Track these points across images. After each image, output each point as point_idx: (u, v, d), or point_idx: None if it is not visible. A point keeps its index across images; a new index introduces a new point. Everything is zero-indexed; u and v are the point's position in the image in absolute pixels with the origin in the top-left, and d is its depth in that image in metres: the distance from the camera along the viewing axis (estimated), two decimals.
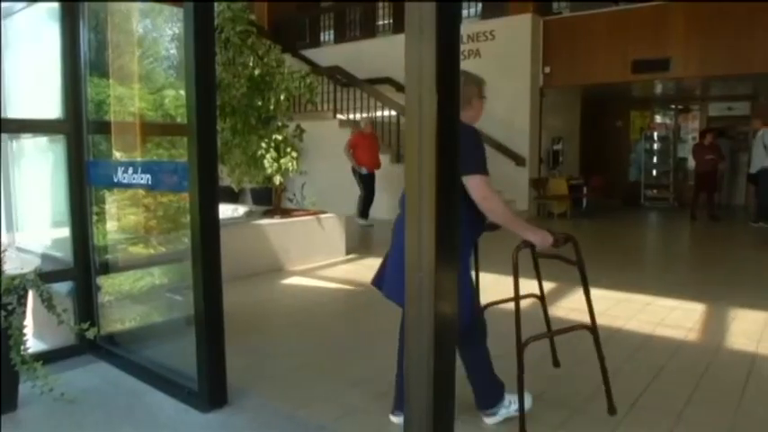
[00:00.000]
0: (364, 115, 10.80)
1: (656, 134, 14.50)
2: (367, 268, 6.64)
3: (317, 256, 6.98)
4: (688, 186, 13.20)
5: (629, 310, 4.91)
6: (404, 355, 2.51)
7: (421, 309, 1.69)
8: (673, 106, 14.93)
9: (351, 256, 7.30)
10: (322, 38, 16.42)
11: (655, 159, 14.44)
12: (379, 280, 2.95)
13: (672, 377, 3.51)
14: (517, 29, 11.78)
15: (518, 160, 11.56)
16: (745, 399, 3.23)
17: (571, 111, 13.80)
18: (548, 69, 11.92)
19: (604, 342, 3.77)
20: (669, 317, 4.72)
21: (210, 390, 3.01)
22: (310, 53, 14.30)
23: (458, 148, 1.65)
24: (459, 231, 1.67)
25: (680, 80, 11.83)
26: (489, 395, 2.93)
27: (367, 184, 10.34)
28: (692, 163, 12.82)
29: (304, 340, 4.31)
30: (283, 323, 4.80)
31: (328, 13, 16.36)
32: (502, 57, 11.76)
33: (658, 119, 15.03)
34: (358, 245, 7.61)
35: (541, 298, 3.57)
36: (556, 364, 3.67)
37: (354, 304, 5.45)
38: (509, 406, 2.91)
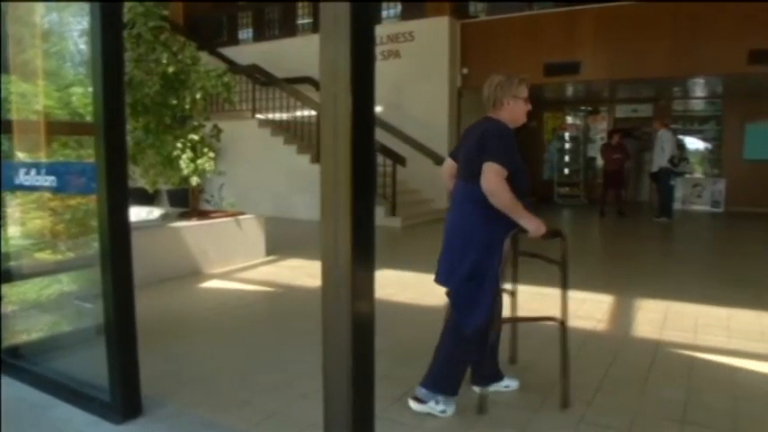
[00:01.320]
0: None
1: (567, 134, 15.17)
2: (288, 269, 6.58)
3: (236, 259, 6.84)
4: (597, 184, 13.86)
5: (543, 304, 5.08)
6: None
7: (338, 308, 1.69)
8: (583, 108, 15.63)
9: (271, 258, 7.21)
10: (240, 36, 16.12)
11: (566, 159, 15.11)
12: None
13: (582, 366, 3.66)
14: (435, 31, 12.00)
15: (437, 160, 11.75)
16: (649, 383, 3.43)
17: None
18: (465, 71, 12.20)
19: (523, 336, 3.93)
20: (580, 309, 4.94)
21: (124, 400, 2.89)
22: (229, 51, 14.02)
23: (373, 149, 1.67)
24: (374, 230, 1.68)
25: (589, 83, 12.39)
26: (438, 383, 3.00)
27: None
28: (600, 162, 13.48)
29: (224, 344, 4.22)
30: (202, 328, 4.68)
31: (246, 11, 16.07)
32: (421, 58, 11.97)
33: (569, 120, 15.70)
34: (279, 246, 7.52)
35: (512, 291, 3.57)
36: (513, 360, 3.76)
37: (275, 306, 5.38)
38: (439, 406, 3.00)
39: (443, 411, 2.99)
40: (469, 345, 2.98)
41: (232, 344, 4.22)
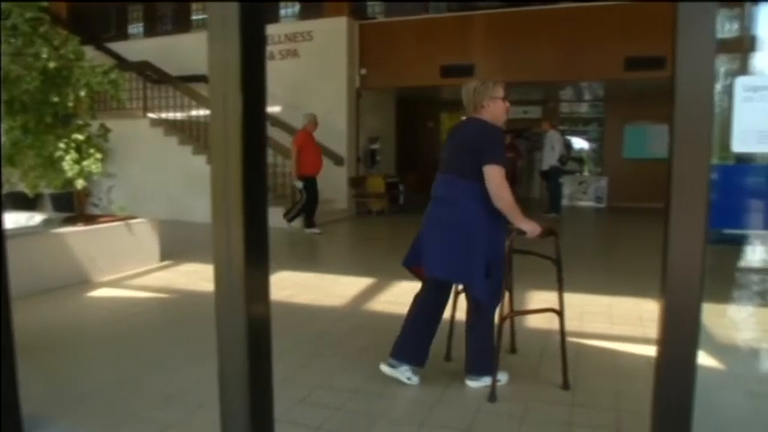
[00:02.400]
0: (308, 111, 10.01)
1: None
2: (183, 274, 6.35)
3: (127, 265, 6.52)
4: None
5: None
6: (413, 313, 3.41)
7: (232, 311, 1.66)
8: None
9: (166, 263, 6.93)
10: (131, 30, 15.38)
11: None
12: (413, 258, 3.39)
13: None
14: (334, 31, 12.00)
15: (337, 160, 11.78)
16: (541, 368, 3.61)
17: (387, 112, 14.37)
18: (364, 71, 12.29)
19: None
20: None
21: (1, 424, 2.68)
22: (117, 47, 13.33)
23: (264, 149, 1.65)
24: (268, 231, 1.66)
25: None
26: (483, 367, 3.30)
27: (313, 189, 9.62)
28: None
29: (115, 355, 4.01)
30: (91, 339, 4.42)
31: (136, 4, 15.35)
32: (320, 58, 11.92)
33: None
34: (174, 250, 7.24)
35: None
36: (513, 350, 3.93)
37: (170, 313, 5.18)
38: (487, 379, 3.27)
39: (499, 380, 3.28)
40: (492, 325, 3.29)
41: (124, 354, 4.02)
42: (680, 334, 1.31)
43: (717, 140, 1.36)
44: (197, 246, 7.60)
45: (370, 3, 13.50)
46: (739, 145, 1.29)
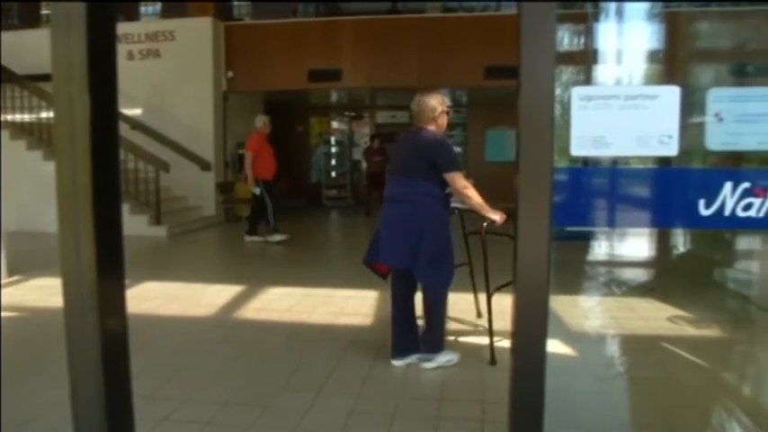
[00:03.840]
0: (259, 114, 9.57)
1: (333, 139, 15.72)
2: (34, 290, 5.85)
3: None
4: (362, 186, 14.57)
5: (312, 304, 5.23)
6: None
7: (84, 327, 1.54)
8: (347, 113, 16.32)
9: (14, 278, 6.33)
10: None
11: (333, 162, 15.65)
12: (372, 255, 3.81)
13: (351, 360, 3.84)
14: (198, 31, 11.57)
15: (203, 165, 11.39)
16: (411, 367, 3.70)
17: (255, 115, 14.07)
18: (231, 74, 11.96)
19: (289, 336, 3.98)
20: (348, 306, 5.16)
21: None
22: None
23: (116, 153, 1.56)
24: (122, 240, 1.57)
25: (351, 89, 12.98)
26: (436, 346, 3.73)
27: (272, 194, 9.15)
28: (365, 165, 14.21)
29: None
30: None
31: None
32: (184, 59, 11.44)
33: (335, 125, 16.29)
34: (25, 264, 6.62)
35: (486, 269, 3.99)
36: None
37: (18, 333, 4.71)
38: (445, 357, 3.73)
39: (450, 360, 3.74)
40: (444, 307, 3.77)
41: None
42: (530, 324, 1.40)
43: (565, 145, 1.48)
44: (50, 258, 6.99)
45: (236, 3, 13.18)
46: (576, 149, 1.41)
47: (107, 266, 1.50)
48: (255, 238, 9.21)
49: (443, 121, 3.82)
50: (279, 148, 15.04)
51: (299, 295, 5.50)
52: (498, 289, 3.79)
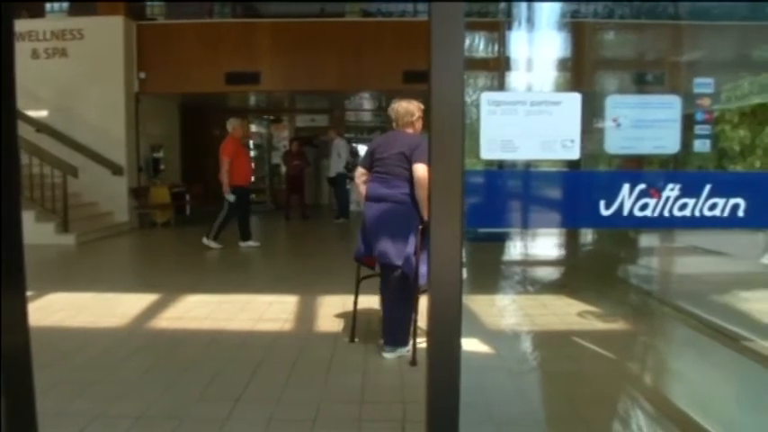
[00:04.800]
0: (230, 118, 9.05)
1: (252, 142, 15.47)
2: None
3: None
4: (282, 190, 14.43)
5: (230, 311, 5.13)
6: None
7: None
8: (266, 116, 16.12)
9: None
10: None
11: (253, 166, 15.39)
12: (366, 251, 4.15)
13: (271, 367, 3.78)
14: (109, 30, 11.09)
15: (115, 169, 10.94)
16: (331, 372, 3.70)
17: (170, 118, 13.70)
18: (143, 75, 11.54)
19: (206, 345, 3.89)
20: (267, 312, 5.09)
21: None
22: None
23: (15, 156, 1.47)
24: (22, 249, 1.49)
25: (270, 93, 12.83)
26: (401, 339, 3.96)
27: (246, 200, 8.90)
28: (283, 169, 14.08)
29: None
30: None
31: None
32: (93, 58, 10.92)
33: (254, 128, 16.04)
34: None
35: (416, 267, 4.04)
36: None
37: None
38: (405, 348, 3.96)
39: (408, 350, 3.94)
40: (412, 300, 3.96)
41: None
42: (445, 324, 1.44)
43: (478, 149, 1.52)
44: None
45: (149, 3, 12.73)
46: (486, 153, 1.46)
47: (6, 278, 1.42)
48: (250, 243, 9.05)
49: (420, 125, 4.15)
50: (195, 152, 14.76)
51: (218, 302, 5.38)
52: (423, 292, 3.83)
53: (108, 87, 11.07)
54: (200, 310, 5.11)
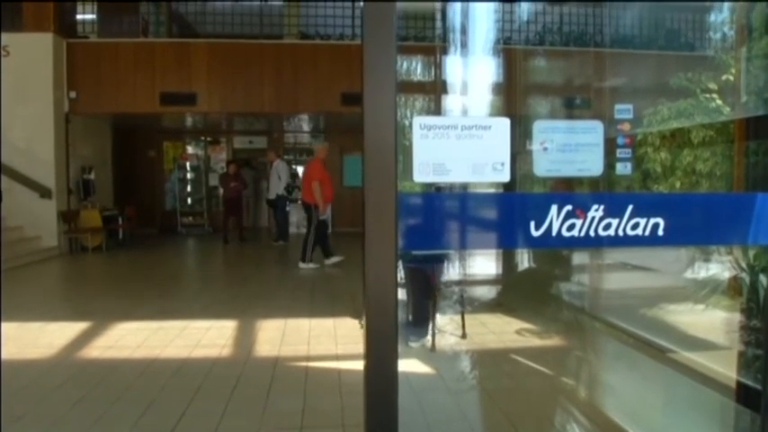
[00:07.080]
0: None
1: (188, 164, 15.17)
2: None
3: None
4: (220, 212, 14.17)
5: (165, 338, 4.98)
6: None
7: None
8: (203, 138, 15.86)
9: None
10: None
11: (189, 188, 15.09)
12: None
13: (208, 395, 3.69)
14: (37, 48, 10.70)
15: (43, 191, 10.50)
16: (270, 398, 3.63)
17: (102, 139, 13.29)
18: (74, 94, 11.18)
19: (140, 374, 3.75)
20: (204, 337, 4.97)
21: None
22: None
23: None
24: None
25: (206, 114, 12.64)
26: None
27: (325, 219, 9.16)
28: (221, 191, 13.86)
29: None
30: None
31: None
32: (19, 77, 10.48)
33: (190, 149, 15.74)
34: None
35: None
36: None
37: None
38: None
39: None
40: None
41: None
42: (381, 345, 1.44)
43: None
44: None
45: (80, 19, 12.36)
46: (418, 176, 1.48)
47: None
48: (334, 259, 9.22)
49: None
50: (128, 174, 14.35)
51: (153, 329, 5.20)
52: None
53: (35, 107, 10.67)
54: (133, 338, 4.93)
